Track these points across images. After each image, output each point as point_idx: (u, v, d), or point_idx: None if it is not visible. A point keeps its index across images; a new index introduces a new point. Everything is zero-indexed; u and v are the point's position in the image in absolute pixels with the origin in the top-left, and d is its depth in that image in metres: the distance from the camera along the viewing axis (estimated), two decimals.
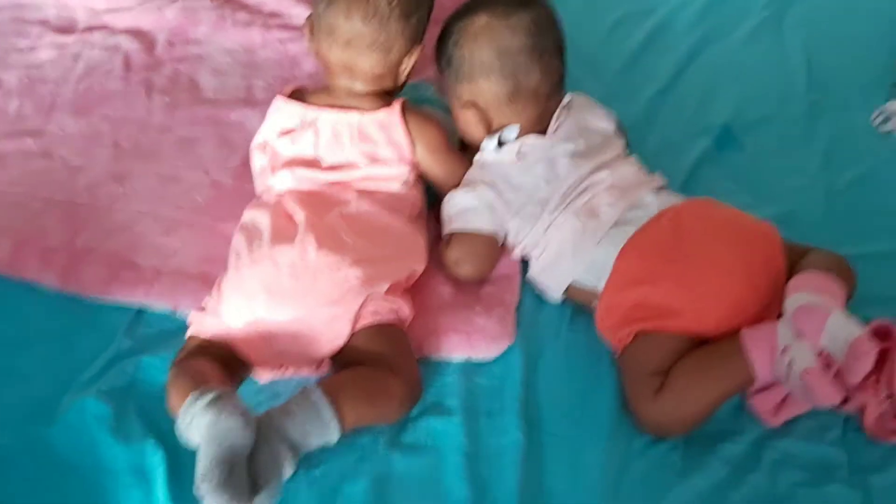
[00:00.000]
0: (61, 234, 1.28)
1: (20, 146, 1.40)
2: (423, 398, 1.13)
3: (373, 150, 1.22)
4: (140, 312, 1.23)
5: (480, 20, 1.23)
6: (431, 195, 1.31)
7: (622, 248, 1.15)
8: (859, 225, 1.36)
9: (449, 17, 1.28)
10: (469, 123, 1.27)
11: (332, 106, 1.23)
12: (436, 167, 1.26)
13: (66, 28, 1.60)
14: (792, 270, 1.14)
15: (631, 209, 1.19)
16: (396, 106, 1.23)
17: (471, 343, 1.18)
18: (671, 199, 1.21)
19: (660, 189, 1.24)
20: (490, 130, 1.26)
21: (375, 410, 1.08)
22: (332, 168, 1.22)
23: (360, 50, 1.20)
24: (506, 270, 1.27)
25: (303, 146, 1.23)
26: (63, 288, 1.23)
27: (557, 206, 1.20)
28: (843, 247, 1.21)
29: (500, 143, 1.25)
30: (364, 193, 1.21)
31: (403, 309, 1.16)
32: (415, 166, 1.25)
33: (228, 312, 1.12)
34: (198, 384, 1.01)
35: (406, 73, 1.26)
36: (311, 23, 1.24)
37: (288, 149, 1.23)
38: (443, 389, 1.15)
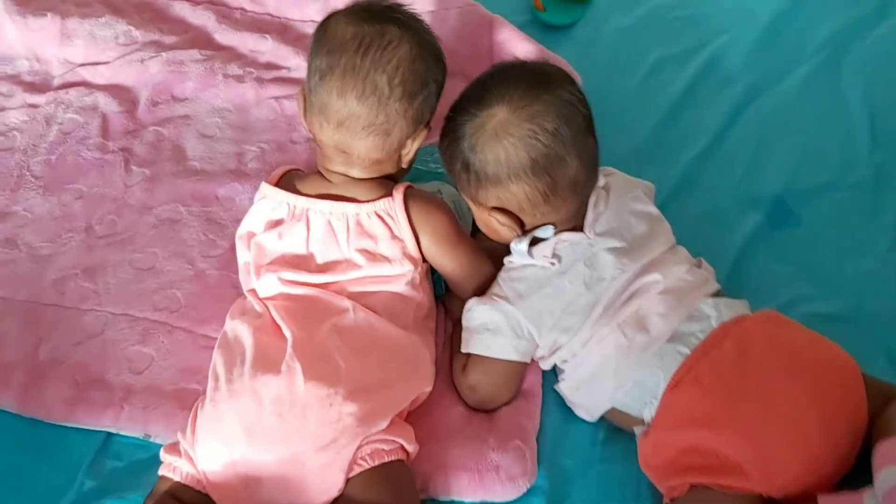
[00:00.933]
0: (22, 345, 1.14)
1: None
2: None
3: (373, 246, 1.06)
4: (108, 438, 1.09)
5: (498, 115, 1.03)
6: (441, 282, 1.15)
7: (676, 374, 0.98)
8: None
9: (453, 110, 1.08)
10: (497, 229, 1.09)
11: (327, 196, 1.07)
12: (445, 260, 1.09)
13: (40, 85, 1.45)
14: (874, 414, 0.96)
15: (686, 321, 1.01)
16: (398, 195, 1.07)
17: (484, 484, 1.02)
18: (732, 310, 1.03)
19: (716, 294, 1.06)
20: (520, 234, 1.08)
21: None
22: (326, 268, 1.06)
23: (354, 132, 1.04)
24: (525, 386, 1.10)
25: (292, 242, 1.07)
26: (21, 411, 1.09)
27: (600, 316, 1.03)
28: None
29: (532, 243, 1.07)
30: (362, 297, 1.05)
31: (407, 443, 1.00)
32: (421, 262, 1.09)
33: (203, 454, 0.97)
34: None
35: (410, 157, 1.10)
36: (304, 95, 1.08)
37: (275, 245, 1.07)
38: None
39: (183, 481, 0.96)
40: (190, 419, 1.00)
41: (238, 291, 1.16)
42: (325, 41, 1.05)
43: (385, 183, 1.09)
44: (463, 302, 1.13)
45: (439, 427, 1.06)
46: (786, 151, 1.40)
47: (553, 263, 1.05)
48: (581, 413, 1.08)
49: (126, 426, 1.08)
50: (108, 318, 1.17)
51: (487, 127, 1.03)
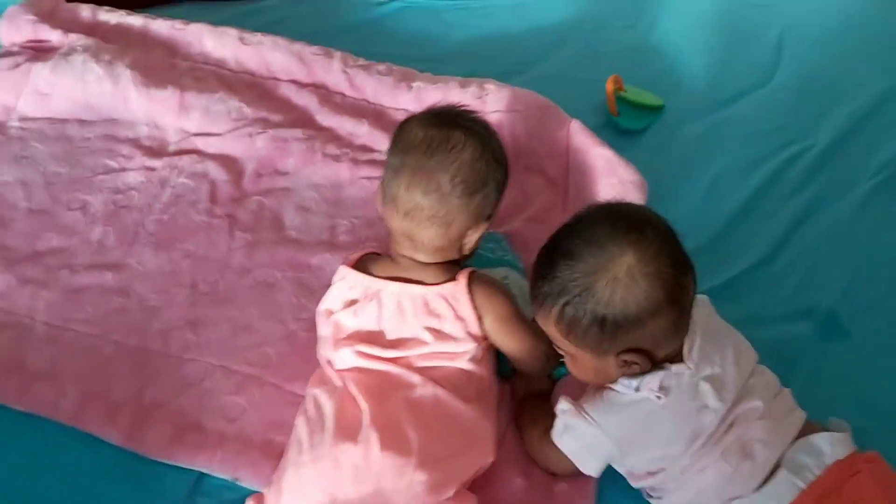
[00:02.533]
0: (130, 387, 1.25)
1: (99, 280, 1.39)
2: None
3: (438, 324, 1.17)
4: (200, 478, 1.19)
5: (625, 261, 1.02)
6: (504, 364, 1.24)
7: None
8: None
9: (557, 264, 1.06)
10: (611, 369, 1.08)
11: (397, 278, 1.19)
12: (507, 340, 1.19)
13: (157, 150, 1.60)
14: None
15: (800, 452, 1.05)
16: (462, 279, 1.17)
17: None
18: (844, 447, 1.06)
19: (808, 421, 1.10)
20: (647, 370, 1.07)
21: None
22: (396, 344, 1.16)
23: (419, 221, 1.16)
24: None
25: (366, 319, 1.18)
26: (126, 445, 1.21)
27: (703, 444, 1.05)
28: None
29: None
30: (429, 371, 1.15)
31: None
32: (483, 341, 1.19)
33: None
34: None
35: (471, 246, 1.21)
36: (382, 188, 1.21)
37: (351, 321, 1.19)
38: None
39: None
40: (275, 477, 1.11)
41: None
42: (399, 141, 1.19)
43: (450, 268, 1.20)
44: (525, 382, 1.23)
45: (499, 497, 1.14)
46: (840, 268, 1.47)
47: (659, 397, 1.05)
48: None
49: (217, 468, 1.18)
50: (208, 369, 1.28)
51: (620, 276, 1.02)
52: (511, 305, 1.19)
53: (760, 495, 1.04)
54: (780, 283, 1.45)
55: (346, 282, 1.20)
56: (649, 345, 1.06)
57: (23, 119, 1.63)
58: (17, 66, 1.67)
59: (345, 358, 1.16)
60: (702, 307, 1.13)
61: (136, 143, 1.61)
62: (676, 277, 1.05)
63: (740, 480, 1.05)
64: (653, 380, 1.07)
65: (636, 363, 1.06)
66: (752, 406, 1.08)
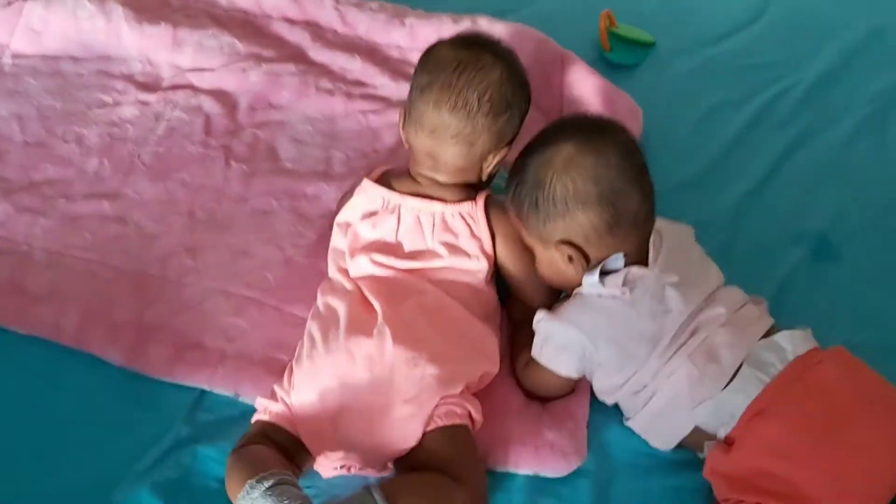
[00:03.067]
0: (130, 308, 1.26)
1: (97, 209, 1.39)
2: None
3: (454, 241, 1.19)
4: (202, 395, 1.20)
5: (564, 150, 1.12)
6: (502, 290, 1.26)
7: (761, 403, 1.06)
8: None
9: (519, 158, 1.18)
10: (559, 264, 1.15)
11: (417, 194, 1.21)
12: (514, 262, 1.21)
13: (151, 85, 1.60)
14: None
15: (763, 350, 1.09)
16: (480, 200, 1.20)
17: (539, 457, 1.13)
18: (805, 343, 1.10)
19: (773, 328, 1.14)
20: (586, 269, 1.14)
21: None
22: (412, 256, 1.19)
23: (444, 139, 1.18)
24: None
25: (384, 231, 1.20)
26: (127, 365, 1.22)
27: (668, 347, 1.10)
28: None
29: (602, 275, 1.13)
30: (441, 284, 1.17)
31: (475, 411, 1.11)
32: (493, 261, 1.21)
33: (299, 400, 1.10)
34: (257, 470, 0.99)
35: (490, 170, 1.22)
36: (405, 109, 1.23)
37: (369, 232, 1.21)
38: None
39: (276, 422, 1.08)
40: (286, 371, 1.13)
41: (322, 277, 1.28)
42: (427, 62, 1.20)
43: (468, 189, 1.22)
44: (522, 307, 1.25)
45: (501, 406, 1.16)
46: (831, 194, 1.50)
47: (624, 293, 1.11)
48: (655, 443, 1.14)
49: (219, 385, 1.20)
50: (206, 292, 1.29)
51: (555, 161, 1.12)
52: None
53: (727, 393, 1.08)
54: (772, 210, 1.47)
55: (367, 194, 1.22)
56: (581, 239, 1.13)
57: (16, 56, 1.63)
58: (10, 3, 1.66)
59: (361, 265, 1.18)
60: (681, 230, 1.21)
61: (129, 78, 1.61)
62: (614, 180, 1.11)
63: (708, 383, 1.09)
64: (616, 278, 1.12)
65: (572, 257, 1.13)
66: (716, 313, 1.12)
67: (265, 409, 1.11)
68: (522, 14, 1.80)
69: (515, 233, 1.20)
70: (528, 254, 1.21)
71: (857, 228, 1.45)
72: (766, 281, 1.33)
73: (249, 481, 0.97)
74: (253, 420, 1.11)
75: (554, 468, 1.12)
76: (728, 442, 1.08)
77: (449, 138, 1.18)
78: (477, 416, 1.11)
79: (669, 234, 1.18)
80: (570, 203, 1.12)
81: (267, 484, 0.96)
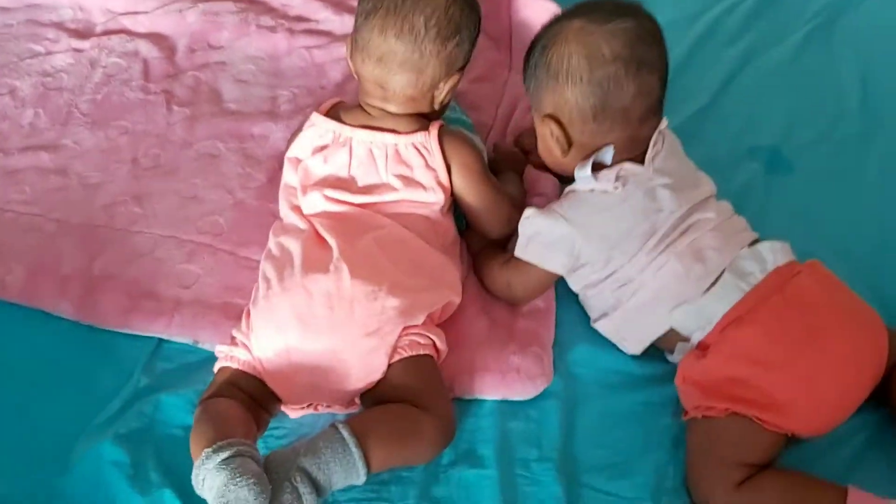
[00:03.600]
0: (78, 260, 1.23)
1: (35, 161, 1.34)
2: (456, 444, 1.08)
3: (408, 173, 1.16)
4: (159, 344, 1.18)
5: (575, 24, 1.11)
6: (460, 221, 1.25)
7: (737, 308, 1.06)
8: None
9: (541, 27, 1.18)
10: (548, 139, 1.15)
11: (368, 126, 1.18)
12: (470, 192, 1.19)
13: (83, 32, 1.54)
14: (891, 363, 1.08)
15: (744, 259, 1.09)
16: (434, 130, 1.17)
17: (506, 382, 1.12)
18: (785, 255, 1.11)
19: (757, 239, 1.15)
20: (566, 151, 1.15)
21: (406, 452, 1.03)
22: (366, 190, 1.16)
23: (391, 67, 1.15)
24: (541, 304, 1.20)
25: (336, 166, 1.17)
26: (79, 318, 1.18)
27: (658, 244, 1.10)
28: None
29: (595, 170, 1.12)
30: (397, 217, 1.15)
31: (439, 341, 1.10)
32: (450, 192, 1.19)
33: (259, 344, 1.07)
34: (218, 433, 0.97)
35: (442, 98, 1.19)
36: (351, 38, 1.19)
37: (320, 168, 1.18)
38: (476, 434, 1.10)
39: (241, 368, 1.06)
40: (244, 315, 1.11)
41: (276, 219, 1.25)
42: None
43: (420, 120, 1.19)
44: (480, 238, 1.24)
45: (465, 335, 1.16)
46: (781, 107, 1.50)
47: (617, 188, 1.11)
48: (626, 345, 1.15)
49: (176, 333, 1.17)
50: (157, 240, 1.25)
51: (561, 33, 1.12)
52: (480, 160, 1.20)
53: (708, 298, 1.08)
54: (724, 125, 1.47)
55: (316, 129, 1.19)
56: (565, 117, 1.13)
57: None
58: None
59: (314, 202, 1.15)
60: (672, 136, 1.20)
61: (60, 26, 1.55)
62: (611, 65, 1.08)
63: (692, 282, 1.09)
64: (609, 172, 1.12)
65: (554, 136, 1.14)
66: (706, 216, 1.12)
67: (228, 357, 1.08)
68: None
69: (471, 162, 1.18)
70: (485, 183, 1.20)
71: (808, 139, 1.45)
72: (722, 195, 1.32)
73: (206, 450, 0.95)
74: (216, 368, 1.08)
75: (521, 392, 1.12)
76: (702, 348, 1.09)
77: (396, 66, 1.14)
78: (441, 345, 1.10)
79: (671, 139, 1.18)
80: (562, 76, 1.11)
81: (223, 455, 0.93)
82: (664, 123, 1.17)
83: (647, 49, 1.11)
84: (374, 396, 1.07)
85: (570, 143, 1.14)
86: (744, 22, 1.64)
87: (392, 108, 1.18)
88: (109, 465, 1.03)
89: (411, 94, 1.17)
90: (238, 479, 0.90)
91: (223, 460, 0.92)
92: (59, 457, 1.04)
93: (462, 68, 1.20)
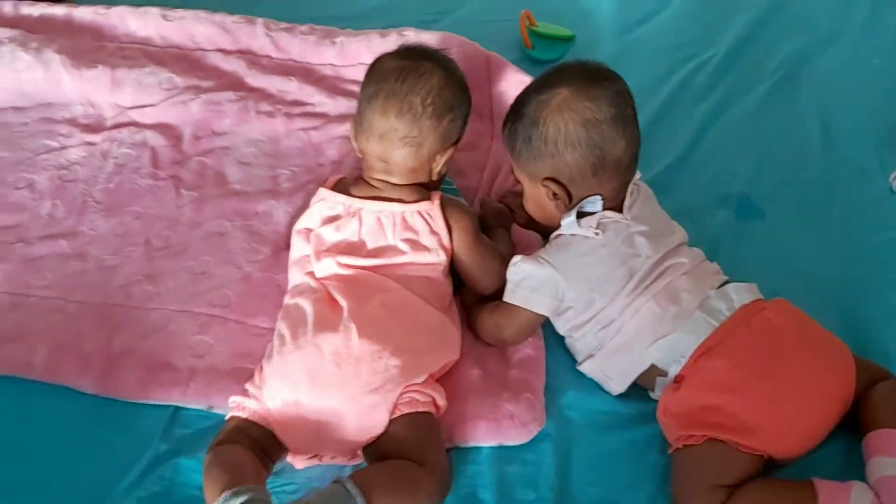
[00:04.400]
0: (98, 338, 1.31)
1: (54, 248, 1.44)
2: (456, 489, 1.15)
3: (415, 237, 1.26)
4: (176, 411, 1.25)
5: (561, 94, 1.21)
6: (456, 280, 1.33)
7: (709, 343, 1.15)
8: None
9: (519, 97, 1.28)
10: (544, 199, 1.25)
11: (376, 197, 1.28)
12: (468, 252, 1.29)
13: (94, 126, 1.65)
14: (860, 391, 1.15)
15: (713, 299, 1.19)
16: (436, 199, 1.28)
17: (501, 429, 1.19)
18: (751, 294, 1.21)
19: (727, 282, 1.24)
20: (567, 207, 1.24)
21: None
22: (375, 253, 1.25)
23: (393, 143, 1.26)
24: (531, 352, 1.28)
25: (347, 233, 1.27)
26: (101, 392, 1.26)
27: (636, 287, 1.19)
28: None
29: (579, 217, 1.23)
30: (404, 281, 1.24)
31: (438, 398, 1.18)
32: (450, 255, 1.28)
33: (270, 395, 1.15)
34: (231, 478, 1.04)
35: (439, 169, 1.30)
36: (354, 121, 1.31)
37: (332, 235, 1.27)
38: (475, 479, 1.16)
39: (250, 418, 1.14)
40: (257, 371, 1.19)
41: (280, 289, 1.34)
42: (373, 74, 1.29)
43: (422, 190, 1.30)
44: (474, 294, 1.32)
45: (460, 386, 1.23)
46: (750, 156, 1.60)
47: (597, 234, 1.21)
48: (611, 385, 1.23)
49: (192, 400, 1.25)
50: (171, 315, 1.34)
51: (551, 103, 1.21)
52: (476, 223, 1.31)
53: (680, 333, 1.18)
54: (696, 176, 1.57)
55: (326, 202, 1.29)
56: (566, 178, 1.23)
57: None
58: None
59: (326, 266, 1.25)
60: (646, 187, 1.31)
61: (73, 122, 1.66)
62: (603, 125, 1.19)
63: (668, 321, 1.18)
64: (591, 220, 1.23)
65: (556, 193, 1.23)
66: (680, 261, 1.23)
67: (239, 406, 1.16)
68: (445, 23, 1.89)
69: (469, 225, 1.29)
70: (480, 244, 1.29)
71: (776, 185, 1.55)
72: (696, 241, 1.40)
73: (225, 493, 1.02)
74: (227, 416, 1.16)
75: (515, 437, 1.19)
76: (678, 381, 1.17)
77: (397, 141, 1.26)
78: (441, 401, 1.18)
79: (645, 189, 1.29)
80: (561, 144, 1.21)
81: (241, 499, 1.00)
82: (638, 175, 1.27)
83: (626, 104, 1.23)
84: (375, 449, 1.14)
85: (570, 199, 1.24)
86: (711, 78, 1.75)
87: (394, 179, 1.28)
88: None
89: (412, 166, 1.27)
90: None
91: (243, 503, 0.99)
92: None
93: (456, 143, 1.31)
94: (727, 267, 1.32)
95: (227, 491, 1.02)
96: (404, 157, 1.26)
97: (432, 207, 1.27)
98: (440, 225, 1.27)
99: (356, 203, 1.27)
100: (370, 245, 1.25)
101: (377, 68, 1.30)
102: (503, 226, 1.40)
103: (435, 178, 1.31)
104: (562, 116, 1.21)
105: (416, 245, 1.25)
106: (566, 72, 1.26)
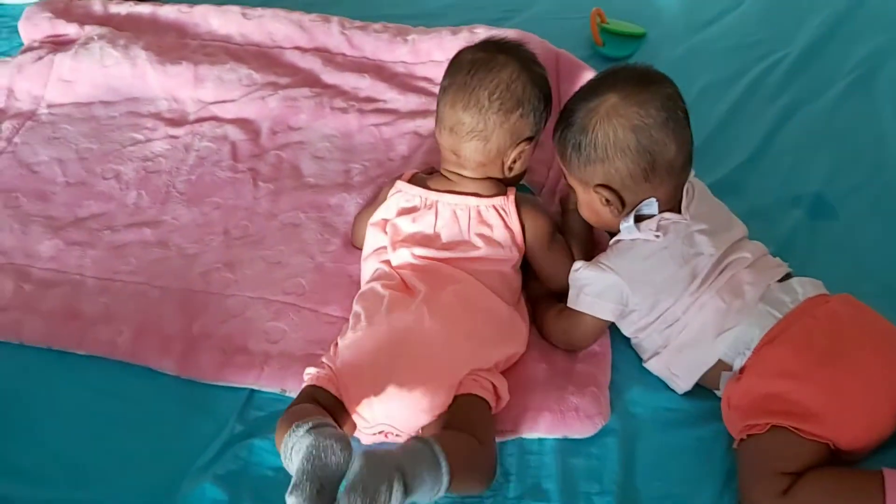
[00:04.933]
0: (178, 322, 1.37)
1: (139, 236, 1.50)
2: (523, 479, 1.17)
3: (489, 233, 1.29)
4: (251, 394, 1.30)
5: (610, 101, 1.21)
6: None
7: (771, 332, 1.15)
8: None
9: (567, 104, 1.29)
10: (598, 205, 1.26)
11: (452, 191, 1.31)
12: (544, 255, 1.31)
13: (178, 120, 1.72)
14: None
15: (778, 291, 1.19)
16: (511, 195, 1.30)
17: (565, 422, 1.21)
18: (816, 289, 1.20)
19: (790, 274, 1.24)
20: (621, 212, 1.25)
21: (471, 478, 1.11)
22: (449, 246, 1.28)
23: (461, 136, 1.28)
24: (597, 348, 1.30)
25: (423, 224, 1.30)
26: (180, 373, 1.32)
27: (700, 285, 1.20)
28: None
29: (637, 221, 1.23)
30: (476, 274, 1.26)
31: (501, 389, 1.20)
32: (523, 252, 1.30)
33: (343, 370, 1.19)
34: (301, 418, 1.07)
35: (513, 165, 1.31)
36: (436, 113, 1.34)
37: (409, 226, 1.30)
38: (540, 471, 1.18)
39: (321, 384, 1.17)
40: (332, 346, 1.23)
41: (352, 280, 1.39)
42: (450, 67, 1.32)
43: (498, 185, 1.32)
44: (539, 285, 1.34)
45: (527, 379, 1.25)
46: (824, 156, 1.59)
47: (658, 236, 1.21)
48: (677, 382, 1.23)
49: (266, 384, 1.29)
50: (247, 301, 1.39)
51: (600, 110, 1.21)
52: (551, 225, 1.32)
53: (745, 325, 1.18)
54: (768, 176, 1.56)
55: (403, 194, 1.32)
56: (618, 184, 1.23)
57: (51, 106, 1.76)
58: (41, 58, 1.79)
59: (402, 256, 1.28)
60: (700, 184, 1.30)
61: (158, 116, 1.73)
62: (653, 131, 1.19)
63: (732, 315, 1.18)
64: (651, 223, 1.23)
65: (609, 200, 1.23)
66: (742, 256, 1.22)
67: (315, 377, 1.19)
68: (516, 21, 1.91)
69: (546, 228, 1.30)
70: (558, 248, 1.31)
71: (851, 186, 1.53)
72: (768, 242, 1.39)
73: (295, 423, 1.05)
74: (303, 385, 1.20)
75: (580, 430, 1.20)
76: (742, 372, 1.17)
77: (465, 134, 1.28)
78: (503, 393, 1.20)
79: (701, 187, 1.29)
80: (611, 150, 1.21)
81: (310, 423, 1.04)
82: (692, 174, 1.27)
83: (676, 107, 1.22)
84: (434, 423, 1.16)
85: (623, 205, 1.24)
86: (785, 77, 1.74)
87: (467, 172, 1.31)
88: (210, 503, 1.15)
89: (480, 160, 1.29)
90: (324, 436, 1.00)
91: (310, 427, 1.03)
92: (168, 496, 1.16)
93: (530, 139, 1.31)
94: (798, 267, 1.31)
95: (296, 423, 1.05)
96: (472, 150, 1.28)
97: (507, 203, 1.29)
98: (514, 221, 1.28)
99: (433, 196, 1.30)
100: (445, 238, 1.28)
101: (454, 62, 1.32)
102: (583, 228, 1.39)
103: (510, 174, 1.32)
104: (610, 123, 1.21)
105: (489, 241, 1.28)
106: (614, 77, 1.25)
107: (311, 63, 1.79)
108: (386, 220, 1.32)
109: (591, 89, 1.26)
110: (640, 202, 1.23)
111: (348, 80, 1.75)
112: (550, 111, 1.34)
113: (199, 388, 1.31)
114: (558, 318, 1.28)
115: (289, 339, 1.34)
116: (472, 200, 1.28)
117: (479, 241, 1.27)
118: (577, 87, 1.60)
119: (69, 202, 1.57)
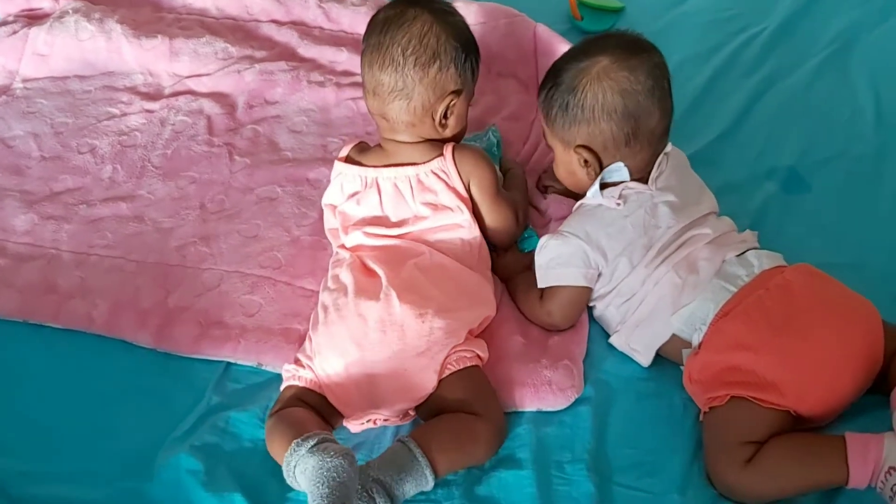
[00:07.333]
0: (154, 296, 1.37)
1: (115, 210, 1.50)
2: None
3: (434, 199, 1.28)
4: (228, 367, 1.30)
5: (601, 63, 1.23)
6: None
7: (727, 307, 1.16)
8: None
9: (556, 63, 1.30)
10: (575, 166, 1.28)
11: (390, 164, 1.29)
12: (486, 207, 1.30)
13: (153, 94, 1.71)
14: (889, 356, 1.15)
15: (732, 265, 1.20)
16: (447, 152, 1.28)
17: (539, 395, 1.22)
18: (772, 261, 1.21)
19: (754, 248, 1.25)
20: (597, 174, 1.26)
21: (466, 455, 1.14)
22: (400, 223, 1.28)
23: (384, 98, 1.26)
24: None
25: (369, 207, 1.29)
26: (157, 346, 1.32)
27: (655, 257, 1.21)
28: None
29: (603, 188, 1.25)
30: (434, 244, 1.26)
31: (481, 351, 1.21)
32: (471, 206, 1.29)
33: (321, 365, 1.19)
34: (298, 431, 1.08)
35: (444, 121, 1.28)
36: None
37: (355, 210, 1.30)
38: (513, 441, 1.19)
39: (307, 386, 1.18)
40: (306, 340, 1.23)
41: (328, 253, 1.39)
42: (367, 28, 1.29)
43: (436, 146, 1.29)
44: (503, 263, 1.34)
45: (501, 353, 1.26)
46: (798, 130, 1.59)
47: (619, 204, 1.23)
48: (638, 356, 1.25)
49: (242, 357, 1.30)
50: (223, 275, 1.39)
51: (591, 71, 1.23)
52: (492, 170, 1.30)
53: (700, 300, 1.19)
54: (743, 149, 1.56)
55: (343, 177, 1.32)
56: (599, 146, 1.24)
57: (26, 80, 1.74)
58: (15, 32, 1.78)
59: (356, 239, 1.28)
60: (680, 155, 1.31)
61: (133, 90, 1.72)
62: (640, 96, 1.21)
63: (688, 291, 1.20)
64: (614, 190, 1.25)
65: (587, 161, 1.25)
66: (703, 232, 1.23)
67: (294, 376, 1.19)
68: None
69: (487, 179, 1.28)
70: (501, 200, 1.30)
71: (824, 159, 1.54)
72: (741, 216, 1.41)
73: (295, 440, 1.06)
74: (283, 386, 1.20)
75: (553, 403, 1.22)
76: (700, 347, 1.18)
77: (387, 95, 1.25)
78: (483, 354, 1.21)
79: (676, 158, 1.29)
80: (598, 112, 1.23)
81: (312, 442, 1.05)
82: (669, 146, 1.27)
83: (663, 77, 1.24)
84: (430, 407, 1.18)
85: (601, 168, 1.26)
86: (762, 51, 1.74)
87: (400, 136, 1.29)
88: (186, 473, 1.15)
89: (408, 120, 1.27)
90: (331, 455, 1.01)
91: (314, 445, 1.04)
92: (143, 466, 1.17)
93: (457, 91, 1.27)
94: (771, 240, 1.32)
95: (296, 439, 1.06)
96: (398, 111, 1.26)
97: (445, 163, 1.26)
98: (456, 180, 1.27)
99: (371, 173, 1.28)
100: (394, 217, 1.27)
101: (370, 22, 1.29)
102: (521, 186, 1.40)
103: (445, 131, 1.29)
104: (600, 85, 1.22)
105: (436, 207, 1.26)
106: (606, 41, 1.27)
107: (287, 36, 1.78)
108: (335, 206, 1.32)
109: (582, 51, 1.27)
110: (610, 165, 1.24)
111: (325, 54, 1.74)
112: (477, 62, 1.31)
113: (175, 360, 1.31)
114: (542, 304, 1.28)
115: (265, 313, 1.34)
116: (410, 170, 1.27)
117: (426, 211, 1.26)
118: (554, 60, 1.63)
119: (44, 176, 1.56)
